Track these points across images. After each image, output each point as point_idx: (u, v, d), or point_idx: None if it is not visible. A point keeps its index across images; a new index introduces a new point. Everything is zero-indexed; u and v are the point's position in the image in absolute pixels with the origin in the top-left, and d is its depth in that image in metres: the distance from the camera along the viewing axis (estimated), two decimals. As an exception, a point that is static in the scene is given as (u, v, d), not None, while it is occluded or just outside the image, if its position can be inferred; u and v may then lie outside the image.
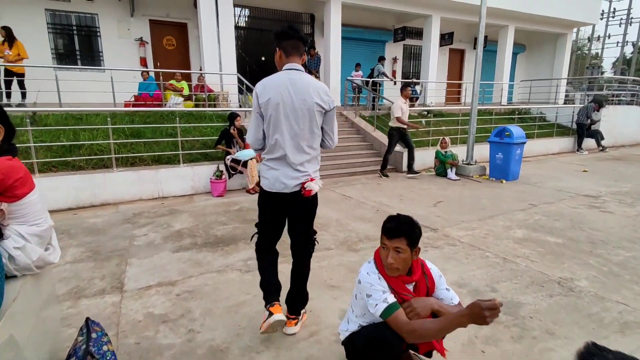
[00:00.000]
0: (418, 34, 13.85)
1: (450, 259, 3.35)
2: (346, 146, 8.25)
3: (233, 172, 5.90)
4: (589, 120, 10.31)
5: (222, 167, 5.90)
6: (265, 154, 2.11)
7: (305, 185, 2.04)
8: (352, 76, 10.54)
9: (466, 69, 15.70)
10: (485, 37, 15.18)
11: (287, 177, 2.03)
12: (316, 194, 2.13)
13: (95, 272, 3.14)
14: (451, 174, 6.84)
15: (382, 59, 10.91)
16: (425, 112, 10.60)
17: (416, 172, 7.18)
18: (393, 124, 6.98)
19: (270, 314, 2.06)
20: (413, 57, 14.48)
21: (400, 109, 6.82)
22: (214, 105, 8.69)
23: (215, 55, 8.95)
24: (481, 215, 4.66)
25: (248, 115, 8.04)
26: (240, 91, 8.96)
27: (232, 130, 5.93)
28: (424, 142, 8.59)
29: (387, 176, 7.11)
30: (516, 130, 6.59)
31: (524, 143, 6.70)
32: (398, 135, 7.04)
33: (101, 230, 4.18)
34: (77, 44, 9.28)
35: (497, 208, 4.97)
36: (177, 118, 5.91)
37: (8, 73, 7.20)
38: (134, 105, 7.80)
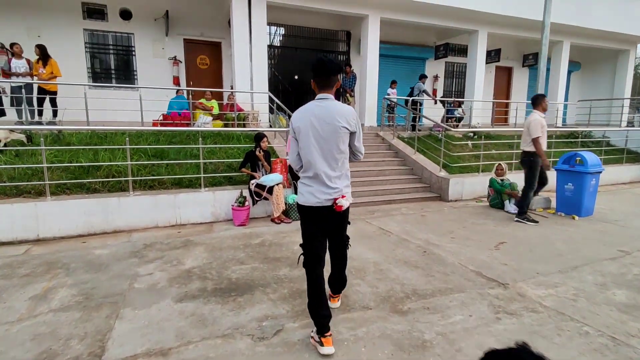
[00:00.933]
0: (461, 51, 13.04)
1: (535, 334, 2.46)
2: (382, 170, 7.48)
3: (257, 199, 5.29)
4: (667, 145, 8.89)
5: (245, 193, 5.32)
6: (302, 172, 2.36)
7: (337, 202, 2.25)
8: (388, 94, 9.86)
9: (514, 88, 14.57)
10: (536, 54, 14.11)
11: (320, 192, 2.26)
12: (347, 208, 2.34)
13: (77, 327, 2.54)
14: (509, 206, 5.85)
15: (423, 76, 10.16)
16: (472, 134, 9.65)
17: (531, 221, 5.20)
18: (528, 147, 5.13)
19: (321, 344, 2.22)
20: (455, 75, 13.62)
21: (541, 125, 5.01)
22: (244, 125, 8.27)
23: (247, 73, 8.61)
24: (560, 264, 3.69)
25: (278, 135, 7.53)
26: (271, 111, 8.52)
27: (257, 153, 5.36)
28: (473, 168, 7.64)
29: (535, 222, 5.20)
30: (590, 156, 5.55)
31: (600, 172, 5.62)
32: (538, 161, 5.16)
33: (103, 266, 3.65)
34: (112, 63, 9.30)
35: (579, 255, 3.97)
36: (200, 138, 5.43)
37: (41, 91, 7.15)
38: (161, 125, 7.52)
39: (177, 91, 8.45)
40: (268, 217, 5.53)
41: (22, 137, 5.50)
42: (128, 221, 4.86)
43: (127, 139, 5.02)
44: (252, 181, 5.31)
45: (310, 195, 2.27)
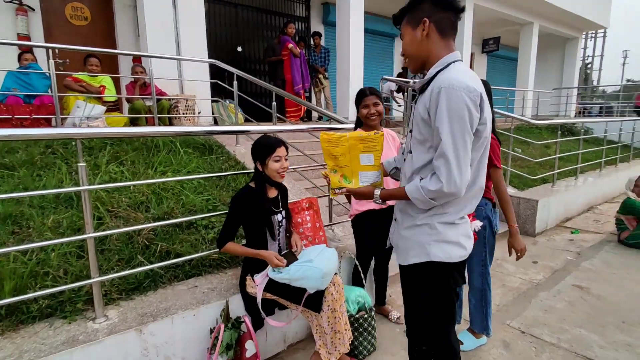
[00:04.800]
0: None
1: None
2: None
3: (266, 315, 1.91)
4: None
5: (235, 305, 1.89)
6: (452, 205, 1.24)
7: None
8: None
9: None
10: (497, 38, 12.83)
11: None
12: None
13: None
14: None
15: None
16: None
17: None
18: None
19: None
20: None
21: None
22: (170, 122, 4.57)
23: (169, 33, 4.85)
24: None
25: (245, 140, 4.10)
26: (220, 93, 5.01)
27: (271, 194, 1.96)
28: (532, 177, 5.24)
29: None
30: None
31: None
32: None
33: None
34: None
35: None
36: (81, 163, 1.75)
37: None
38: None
39: (20, 57, 4.22)
40: (290, 351, 2.19)
41: None
42: None
43: None
44: (258, 277, 1.88)
45: (466, 239, 1.28)
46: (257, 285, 1.87)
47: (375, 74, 9.61)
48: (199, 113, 4.84)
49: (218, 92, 5.67)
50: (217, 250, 1.95)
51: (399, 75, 7.90)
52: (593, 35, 14.38)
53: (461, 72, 1.17)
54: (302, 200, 2.29)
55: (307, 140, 4.40)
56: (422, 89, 1.26)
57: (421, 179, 1.21)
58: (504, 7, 9.92)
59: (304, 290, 1.82)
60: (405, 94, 6.06)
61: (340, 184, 1.41)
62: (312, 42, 7.12)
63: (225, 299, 1.94)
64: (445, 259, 1.24)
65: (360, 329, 2.11)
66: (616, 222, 3.93)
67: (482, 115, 1.15)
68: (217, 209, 2.80)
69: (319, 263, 1.81)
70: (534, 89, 11.76)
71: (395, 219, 1.39)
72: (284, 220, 2.02)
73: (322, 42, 7.22)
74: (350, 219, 2.39)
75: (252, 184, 1.95)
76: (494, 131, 2.10)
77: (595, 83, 29.42)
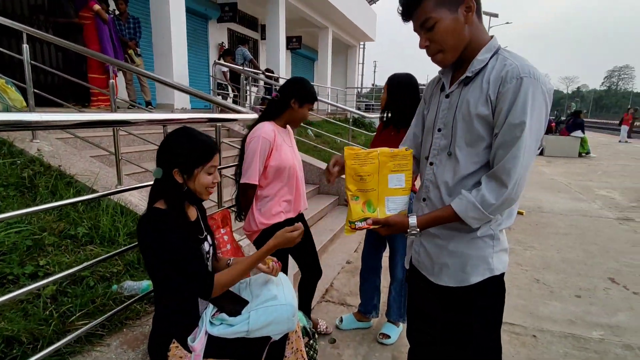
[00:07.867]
0: (251, 22, 10.82)
1: None
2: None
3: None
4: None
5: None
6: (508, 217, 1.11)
7: None
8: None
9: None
10: (299, 37, 13.91)
11: None
12: None
13: None
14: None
15: (245, 42, 7.35)
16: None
17: None
18: None
19: None
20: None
21: None
22: None
23: None
24: None
25: (45, 133, 2.91)
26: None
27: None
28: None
29: None
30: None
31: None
32: None
33: None
34: None
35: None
36: None
37: None
38: None
39: None
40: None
41: None
42: None
43: None
44: (195, 342, 1.24)
45: None
46: (194, 353, 1.24)
47: (190, 58, 8.65)
48: (-59, 89, 3.00)
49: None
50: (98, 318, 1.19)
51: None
52: (363, 46, 17.94)
53: (525, 59, 1.00)
54: (215, 214, 1.71)
55: (152, 131, 3.47)
56: (466, 80, 1.05)
57: (468, 191, 1.03)
58: (307, 8, 10.77)
59: (265, 339, 1.34)
60: (247, 81, 5.67)
61: (363, 215, 1.13)
62: (114, 9, 5.63)
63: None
64: (503, 269, 1.13)
65: (307, 360, 1.78)
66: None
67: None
68: (42, 243, 1.80)
69: (285, 297, 1.36)
70: (332, 87, 13.53)
71: (432, 234, 1.15)
72: (211, 249, 1.43)
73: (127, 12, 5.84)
74: (247, 236, 1.88)
75: (160, 205, 1.26)
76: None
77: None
